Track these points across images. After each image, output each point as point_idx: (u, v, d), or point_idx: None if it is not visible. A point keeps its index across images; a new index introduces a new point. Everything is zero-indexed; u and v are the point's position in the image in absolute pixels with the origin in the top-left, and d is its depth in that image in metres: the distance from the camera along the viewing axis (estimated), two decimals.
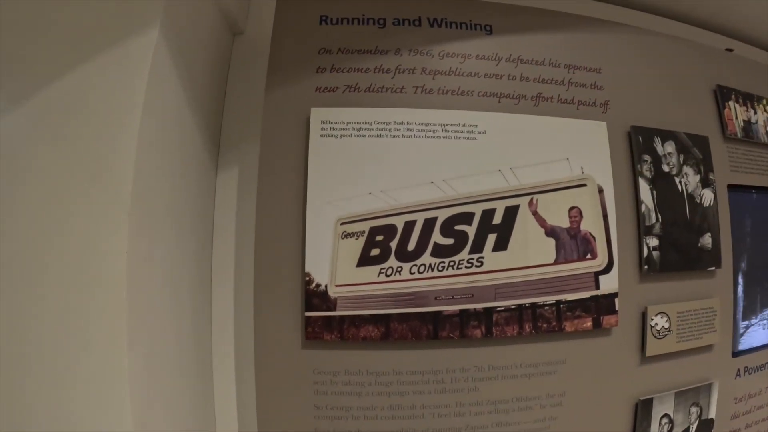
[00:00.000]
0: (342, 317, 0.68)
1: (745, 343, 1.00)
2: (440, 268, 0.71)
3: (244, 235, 0.80)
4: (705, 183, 0.90)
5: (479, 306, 0.72)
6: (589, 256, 0.75)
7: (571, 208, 0.75)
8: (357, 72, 0.76)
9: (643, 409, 0.82)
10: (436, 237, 0.73)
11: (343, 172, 0.71)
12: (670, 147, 0.88)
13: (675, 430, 0.87)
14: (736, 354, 0.96)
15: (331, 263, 0.68)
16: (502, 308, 0.71)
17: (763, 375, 1.02)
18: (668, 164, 0.87)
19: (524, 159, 0.75)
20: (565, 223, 0.74)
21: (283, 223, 0.72)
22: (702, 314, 0.87)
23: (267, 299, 0.71)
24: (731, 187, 0.96)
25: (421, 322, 0.70)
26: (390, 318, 0.69)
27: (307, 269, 0.68)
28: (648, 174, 0.85)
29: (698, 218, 0.88)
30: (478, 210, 0.72)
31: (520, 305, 0.71)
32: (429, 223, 0.70)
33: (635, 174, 0.83)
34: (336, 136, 0.71)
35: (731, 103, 1.04)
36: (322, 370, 0.69)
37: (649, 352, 0.82)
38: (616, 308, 0.76)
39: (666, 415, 0.86)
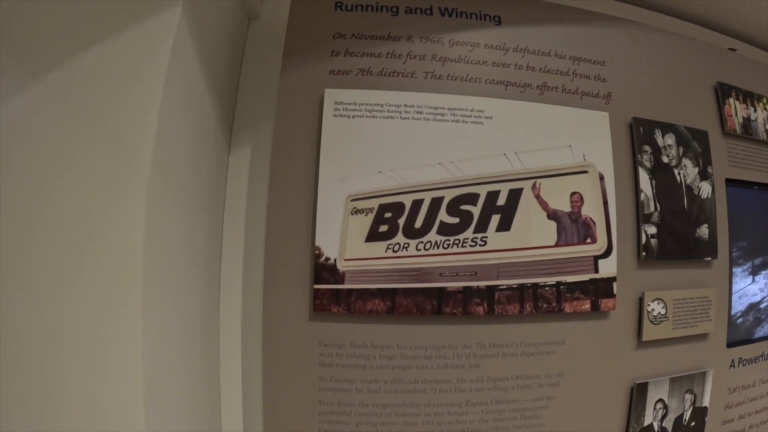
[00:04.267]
0: (349, 291, 0.71)
1: (740, 335, 1.01)
2: (445, 246, 0.76)
3: (255, 209, 0.84)
4: (703, 176, 0.93)
5: (482, 284, 0.75)
6: (589, 240, 0.78)
7: (573, 193, 0.78)
8: (370, 56, 0.79)
9: (638, 394, 0.85)
10: (443, 216, 0.78)
11: (354, 151, 0.74)
12: (670, 139, 0.91)
13: (669, 416, 0.89)
14: (731, 344, 0.98)
15: (341, 238, 0.72)
16: (504, 287, 0.74)
17: (757, 368, 1.03)
18: (668, 156, 0.90)
19: (528, 144, 0.79)
20: (566, 207, 0.77)
21: (295, 198, 0.74)
22: (698, 303, 0.89)
23: (277, 272, 0.73)
24: (729, 182, 0.99)
25: (425, 297, 0.73)
26: (396, 293, 0.73)
27: (317, 243, 0.71)
28: (648, 164, 0.88)
29: (696, 209, 0.91)
30: (483, 191, 0.76)
31: (521, 285, 0.75)
32: (436, 202, 0.74)
33: (635, 163, 0.87)
34: (349, 117, 0.74)
35: (731, 100, 1.06)
36: (329, 343, 0.72)
37: (645, 337, 0.84)
38: (614, 292, 0.79)
39: (660, 400, 0.88)
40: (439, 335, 0.75)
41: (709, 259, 0.92)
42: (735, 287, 1.00)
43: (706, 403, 0.93)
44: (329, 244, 0.70)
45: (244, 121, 0.90)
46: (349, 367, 0.72)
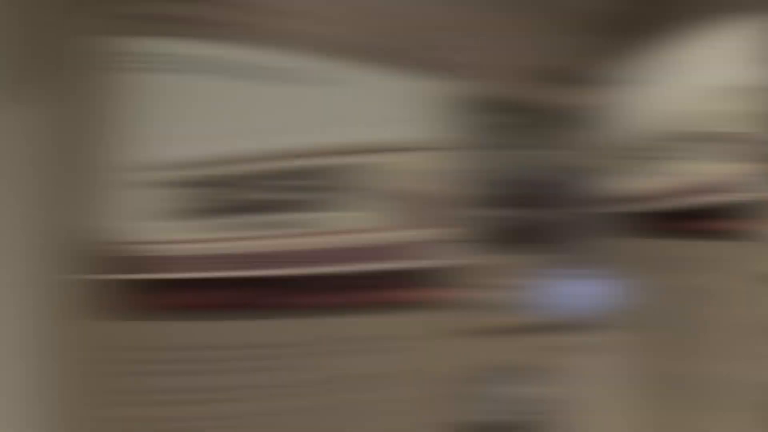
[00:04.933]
0: (151, 281, 0.67)
1: None
2: (267, 227, 0.73)
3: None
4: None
5: (307, 270, 0.74)
6: (424, 223, 0.83)
7: (411, 172, 0.83)
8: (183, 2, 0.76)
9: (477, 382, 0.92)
10: (264, 193, 0.73)
11: (163, 113, 0.70)
12: (513, 116, 1.00)
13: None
14: None
15: (142, 218, 0.68)
16: (332, 273, 0.76)
17: None
18: (511, 132, 0.99)
19: (374, 114, 0.81)
20: (403, 187, 0.82)
21: (78, 168, 0.66)
22: None
23: (49, 264, 0.64)
24: None
25: (239, 287, 0.71)
26: (208, 282, 0.70)
27: (109, 225, 0.65)
28: (492, 142, 0.95)
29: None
30: (314, 165, 0.76)
31: (350, 271, 0.76)
32: (257, 177, 0.73)
33: (479, 142, 0.93)
34: (158, 72, 0.68)
35: None
36: (119, 346, 0.66)
37: (487, 327, 0.90)
38: (450, 280, 0.84)
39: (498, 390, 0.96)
40: (258, 331, 0.75)
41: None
42: None
43: None
44: (127, 227, 0.68)
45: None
46: (147, 375, 0.69)
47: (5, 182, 0.55)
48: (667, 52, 0.83)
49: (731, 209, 0.83)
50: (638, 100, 0.86)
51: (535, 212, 0.86)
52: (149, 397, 0.52)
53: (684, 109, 0.86)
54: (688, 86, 0.81)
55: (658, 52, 0.82)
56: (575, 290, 0.91)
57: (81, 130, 0.50)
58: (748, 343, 0.78)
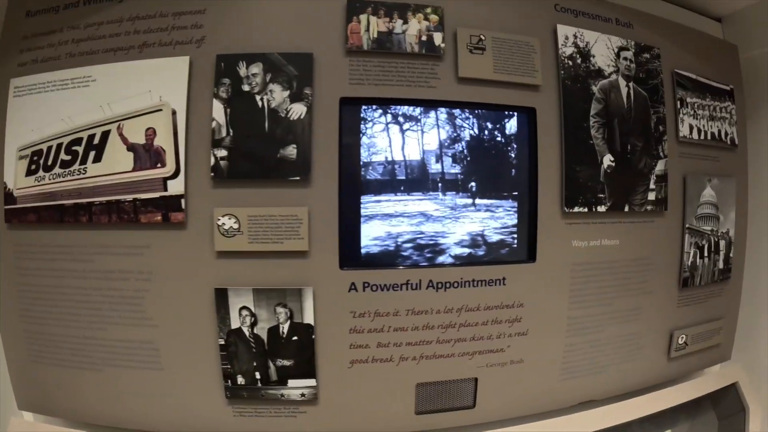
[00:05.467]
0: (21, 209, 1.05)
1: (362, 258, 1.04)
2: (64, 175, 1.04)
3: None
4: (296, 98, 0.98)
5: (85, 200, 1.02)
6: (159, 165, 0.98)
7: (148, 129, 0.99)
8: (42, 49, 1.01)
9: (219, 298, 0.99)
10: (63, 155, 1.03)
11: (21, 118, 1.04)
12: (255, 68, 0.99)
13: (260, 324, 1.01)
14: (346, 266, 1.02)
15: (14, 175, 1.06)
16: (98, 202, 1.01)
17: (396, 296, 1.04)
18: (250, 84, 0.98)
19: (118, 96, 1.00)
20: (142, 140, 0.99)
21: None
22: (281, 221, 0.97)
23: None
24: (345, 100, 1.02)
25: (55, 211, 1.05)
26: (43, 209, 1.04)
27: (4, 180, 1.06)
28: (224, 95, 0.98)
29: (280, 131, 0.98)
30: (85, 135, 1.03)
31: (109, 201, 1.00)
32: (59, 147, 1.03)
33: (213, 96, 0.99)
34: (22, 95, 1.00)
35: (365, 16, 1.04)
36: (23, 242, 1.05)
37: (218, 248, 0.98)
38: (182, 207, 0.98)
39: (246, 307, 0.99)
40: (65, 237, 1.02)
41: (298, 178, 0.99)
42: (365, 210, 1.03)
43: (309, 320, 1.01)
44: (9, 180, 1.05)
45: None
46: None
47: None
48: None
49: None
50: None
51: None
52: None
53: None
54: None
55: None
56: None
57: None
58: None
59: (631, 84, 1.27)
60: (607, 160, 1.20)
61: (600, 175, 1.20)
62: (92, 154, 1.10)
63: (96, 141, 1.10)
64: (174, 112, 1.04)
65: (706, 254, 1.40)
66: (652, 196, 1.27)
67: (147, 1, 1.05)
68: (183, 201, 1.01)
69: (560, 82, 1.18)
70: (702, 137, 1.39)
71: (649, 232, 1.29)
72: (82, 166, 1.11)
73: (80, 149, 1.10)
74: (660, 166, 1.29)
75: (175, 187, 1.00)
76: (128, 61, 1.03)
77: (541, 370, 1.22)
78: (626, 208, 1.24)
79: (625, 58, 1.26)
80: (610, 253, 1.23)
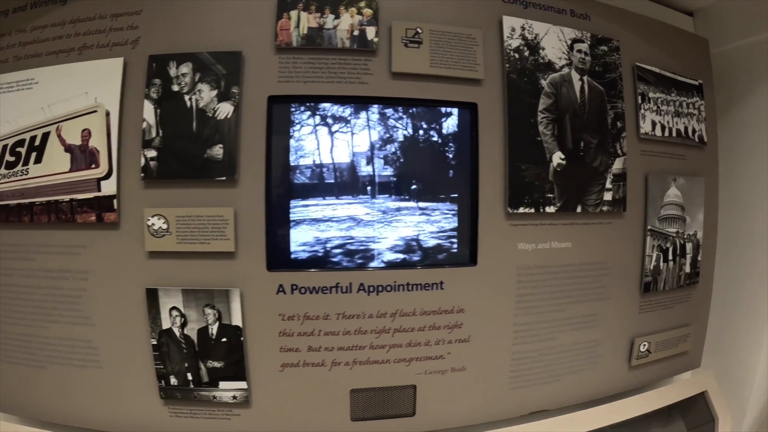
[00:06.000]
0: None
1: (290, 260, 1.02)
2: (8, 176, 1.06)
3: None
4: (224, 97, 0.98)
5: (27, 201, 1.04)
6: (93, 166, 1.00)
7: (83, 130, 1.00)
8: None
9: (150, 298, 1.00)
10: (8, 157, 1.05)
11: None
12: (185, 68, 0.99)
13: (190, 325, 1.01)
14: (274, 268, 1.01)
15: None
16: (39, 203, 1.02)
17: (326, 299, 1.02)
18: (179, 84, 0.98)
19: (58, 97, 1.02)
20: (78, 141, 1.00)
21: None
22: (208, 221, 0.97)
23: None
24: (274, 99, 1.01)
25: (0, 211, 1.05)
26: None
27: None
28: (155, 96, 0.98)
29: (207, 131, 0.98)
30: (28, 137, 1.05)
31: (49, 201, 1.01)
32: (4, 149, 1.03)
33: (144, 97, 0.99)
34: None
35: (295, 12, 1.03)
36: None
37: (148, 248, 0.98)
38: (115, 207, 0.99)
39: (176, 308, 1.00)
40: (11, 236, 1.02)
41: (224, 178, 0.98)
42: (294, 211, 1.01)
43: (237, 322, 1.01)
44: None
45: None
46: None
47: None
48: None
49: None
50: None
51: None
52: None
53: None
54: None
55: None
56: None
57: None
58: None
59: (585, 78, 1.21)
60: (557, 157, 1.14)
61: (549, 174, 1.15)
62: (33, 155, 1.12)
63: (37, 142, 1.12)
64: (108, 113, 1.08)
65: (670, 258, 1.33)
66: (608, 196, 1.21)
67: (88, 3, 1.06)
68: (115, 201, 1.02)
69: (505, 76, 1.13)
70: (666, 134, 1.32)
71: (606, 234, 1.23)
72: (25, 167, 1.13)
73: (23, 150, 1.13)
74: (618, 165, 1.22)
75: (108, 187, 1.01)
76: (68, 64, 1.04)
77: (486, 378, 1.17)
78: (579, 209, 1.18)
79: (580, 51, 1.20)
80: (561, 256, 1.18)
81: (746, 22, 1.46)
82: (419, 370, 1.11)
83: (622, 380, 1.33)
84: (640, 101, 1.28)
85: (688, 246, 1.37)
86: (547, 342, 1.21)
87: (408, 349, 1.09)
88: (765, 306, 1.41)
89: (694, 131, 1.38)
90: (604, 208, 1.21)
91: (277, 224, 1.05)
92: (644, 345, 1.32)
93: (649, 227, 1.29)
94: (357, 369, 1.08)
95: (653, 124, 1.30)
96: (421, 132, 1.13)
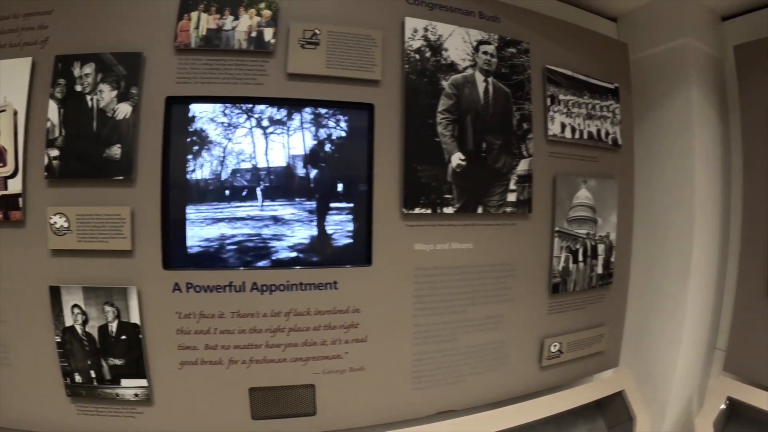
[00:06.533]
0: None
1: (187, 259, 1.03)
2: None
3: None
4: (123, 97, 1.00)
5: None
6: (1, 164, 1.00)
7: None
8: None
9: (53, 295, 1.02)
10: None
11: None
12: (88, 68, 1.01)
13: (91, 323, 1.03)
14: (170, 267, 1.03)
15: None
16: None
17: (220, 298, 1.03)
18: (82, 84, 1.00)
19: None
20: None
21: None
22: (106, 220, 0.99)
23: None
24: (172, 100, 1.02)
25: None
26: None
27: None
28: (59, 95, 1.00)
29: (107, 131, 1.00)
30: None
31: None
32: None
33: (49, 97, 1.01)
34: None
35: (196, 13, 1.04)
36: None
37: (50, 246, 1.00)
38: (20, 205, 1.00)
39: (77, 305, 1.02)
40: None
41: (122, 178, 1.00)
42: (190, 211, 1.02)
43: (135, 319, 1.02)
44: None
45: None
46: None
47: None
48: None
49: None
50: None
51: None
52: None
53: None
54: None
55: None
56: None
57: None
58: None
59: (490, 79, 1.22)
60: (457, 158, 1.16)
61: (447, 175, 1.17)
62: None
63: None
64: (15, 113, 1.11)
65: (581, 259, 1.36)
66: (512, 197, 1.23)
67: (3, 3, 1.07)
68: (21, 200, 1.04)
69: (404, 77, 1.15)
70: (577, 136, 1.34)
71: (510, 235, 1.25)
72: None
73: None
74: (523, 166, 1.24)
75: (14, 185, 1.03)
76: None
77: (387, 378, 1.18)
78: (480, 210, 1.21)
79: (485, 52, 1.21)
80: (462, 257, 1.20)
81: (666, 29, 1.51)
82: (317, 370, 1.12)
83: (533, 380, 1.35)
84: (549, 103, 1.31)
85: (600, 247, 1.40)
86: (450, 343, 1.23)
87: (304, 349, 1.11)
88: (681, 306, 1.44)
89: (607, 134, 1.41)
90: (508, 210, 1.24)
91: (173, 223, 1.06)
92: (555, 346, 1.34)
93: (556, 229, 1.32)
94: (254, 368, 1.09)
95: (563, 126, 1.32)
96: (317, 133, 1.12)
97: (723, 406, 1.38)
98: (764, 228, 1.40)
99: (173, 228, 1.07)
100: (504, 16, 1.28)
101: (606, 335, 1.48)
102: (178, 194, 1.07)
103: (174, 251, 1.07)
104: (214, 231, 1.08)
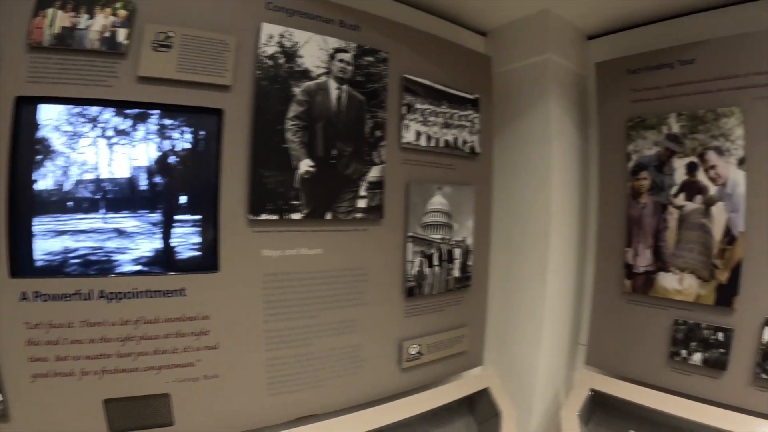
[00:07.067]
0: None
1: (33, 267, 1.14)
2: None
3: None
4: None
5: None
6: None
7: None
8: None
9: None
10: None
11: None
12: None
13: None
14: (17, 275, 1.11)
15: None
16: None
17: (68, 307, 1.16)
18: None
19: None
20: None
21: None
22: None
23: None
24: (22, 99, 1.11)
25: None
26: None
27: None
28: None
29: None
30: None
31: None
32: None
33: None
34: None
35: (51, 10, 1.13)
36: None
37: None
38: None
39: None
40: None
41: None
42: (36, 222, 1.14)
43: None
44: None
45: None
46: None
47: None
48: None
49: None
50: None
51: None
52: None
53: None
54: None
55: None
56: None
57: None
58: None
59: (344, 87, 1.45)
60: (305, 165, 1.37)
61: (295, 181, 1.37)
62: None
63: None
64: None
65: (436, 263, 1.66)
66: (362, 203, 1.48)
67: None
68: None
69: (255, 83, 1.33)
70: (433, 144, 1.65)
71: (361, 241, 1.50)
72: None
73: None
74: (375, 173, 1.50)
75: None
76: None
77: (243, 385, 1.37)
78: (329, 216, 1.43)
79: (341, 60, 1.44)
80: (311, 263, 1.43)
81: (532, 45, 1.89)
82: (170, 378, 1.26)
83: (394, 382, 1.62)
84: (405, 111, 1.58)
85: (457, 251, 1.72)
86: (304, 348, 1.45)
87: (156, 357, 1.26)
88: (540, 306, 1.82)
89: (465, 142, 1.74)
90: (358, 215, 1.48)
91: (20, 230, 1.14)
92: (414, 348, 1.63)
93: (410, 234, 1.61)
94: (107, 378, 1.20)
95: (418, 134, 1.61)
96: (163, 141, 1.26)
97: (586, 398, 1.74)
98: (617, 232, 1.82)
99: (20, 235, 1.14)
100: (365, 25, 1.52)
101: (467, 336, 1.81)
102: (24, 200, 1.15)
103: (21, 259, 1.15)
104: (63, 239, 1.18)
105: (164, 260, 1.27)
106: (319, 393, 1.47)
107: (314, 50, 1.41)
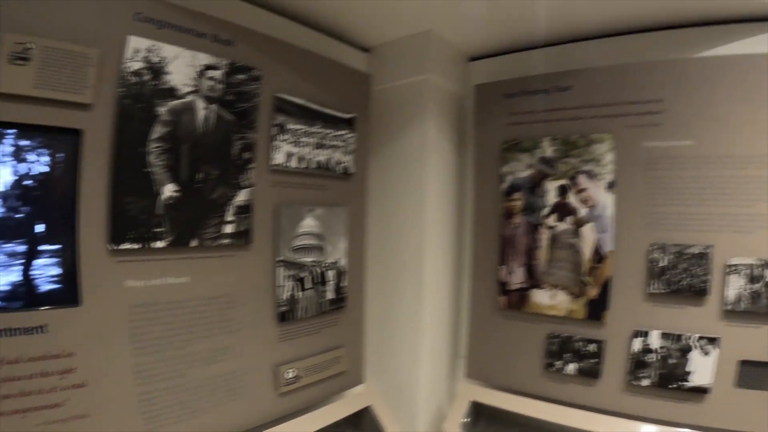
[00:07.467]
0: None
1: None
2: None
3: None
4: None
5: None
6: None
7: None
8: None
9: None
10: None
11: None
12: None
13: None
14: None
15: None
16: None
17: (32, 341, 1.28)
18: None
19: None
20: None
21: None
22: None
23: None
24: None
25: None
26: None
27: None
28: None
29: None
30: None
31: None
32: None
33: None
34: None
35: None
36: None
37: None
38: None
39: None
40: None
41: None
42: None
43: None
44: None
45: None
46: None
47: None
48: None
49: None
50: None
51: None
52: None
53: None
54: None
55: None
56: None
57: None
58: None
59: (212, 106, 1.58)
60: (169, 190, 1.47)
61: (157, 207, 1.46)
62: None
63: None
64: None
65: (309, 286, 1.88)
66: (230, 228, 1.63)
67: None
68: None
69: (118, 101, 1.42)
70: (304, 165, 1.85)
71: (229, 267, 1.67)
72: None
73: None
74: (242, 196, 1.66)
75: None
76: None
77: (116, 422, 1.45)
78: (195, 243, 1.55)
79: (211, 78, 1.56)
80: (178, 292, 1.55)
81: (412, 64, 2.17)
82: (38, 421, 1.33)
83: (273, 407, 1.81)
84: (276, 132, 1.76)
85: (330, 273, 1.95)
86: (177, 379, 1.57)
87: (22, 399, 1.30)
88: (417, 322, 2.13)
89: (338, 162, 1.96)
90: (225, 241, 1.63)
91: None
92: (291, 372, 1.83)
93: (280, 258, 1.80)
94: None
95: (289, 155, 1.79)
96: (23, 159, 1.32)
97: (467, 409, 2.07)
98: (491, 251, 2.16)
99: None
100: (240, 41, 1.65)
101: (345, 356, 2.05)
102: None
103: None
104: None
105: (23, 294, 1.31)
106: (198, 423, 1.60)
107: (182, 67, 1.51)
